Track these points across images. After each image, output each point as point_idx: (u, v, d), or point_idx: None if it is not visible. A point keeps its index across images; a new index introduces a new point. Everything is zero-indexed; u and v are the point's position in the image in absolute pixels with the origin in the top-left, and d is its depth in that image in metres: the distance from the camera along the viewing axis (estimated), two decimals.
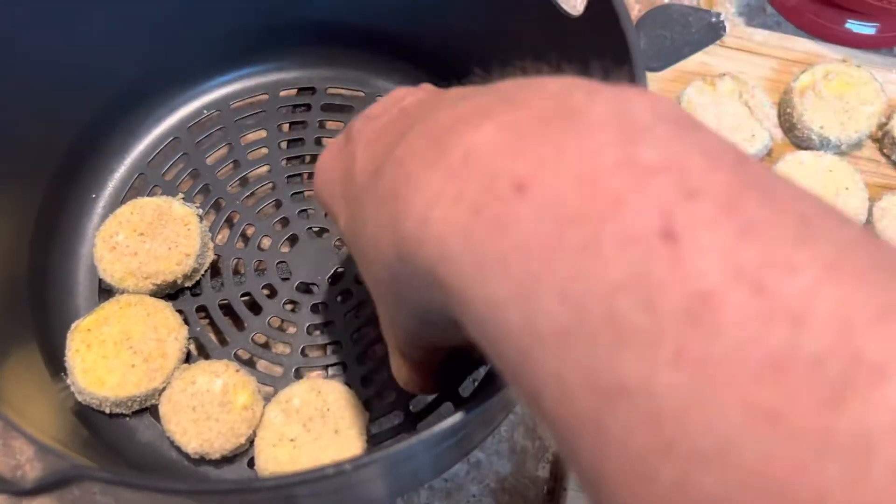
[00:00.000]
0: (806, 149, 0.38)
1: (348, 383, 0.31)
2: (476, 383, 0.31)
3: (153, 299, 0.31)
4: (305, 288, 0.33)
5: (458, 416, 0.17)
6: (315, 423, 0.28)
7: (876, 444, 0.09)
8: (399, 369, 0.22)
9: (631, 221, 0.11)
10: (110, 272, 0.31)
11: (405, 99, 0.18)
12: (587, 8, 0.26)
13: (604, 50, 0.25)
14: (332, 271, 0.33)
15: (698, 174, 0.11)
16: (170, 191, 0.35)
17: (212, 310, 0.33)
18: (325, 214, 0.35)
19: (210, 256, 0.33)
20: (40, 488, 0.17)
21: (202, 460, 0.29)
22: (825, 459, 0.09)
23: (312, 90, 0.38)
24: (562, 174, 0.12)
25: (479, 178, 0.13)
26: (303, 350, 0.32)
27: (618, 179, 0.11)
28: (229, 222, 0.35)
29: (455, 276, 0.13)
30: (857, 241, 0.11)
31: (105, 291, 0.33)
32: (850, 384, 0.09)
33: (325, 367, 0.32)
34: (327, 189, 0.20)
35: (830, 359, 0.09)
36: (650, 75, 0.41)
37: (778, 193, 0.11)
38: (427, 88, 0.19)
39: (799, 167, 0.36)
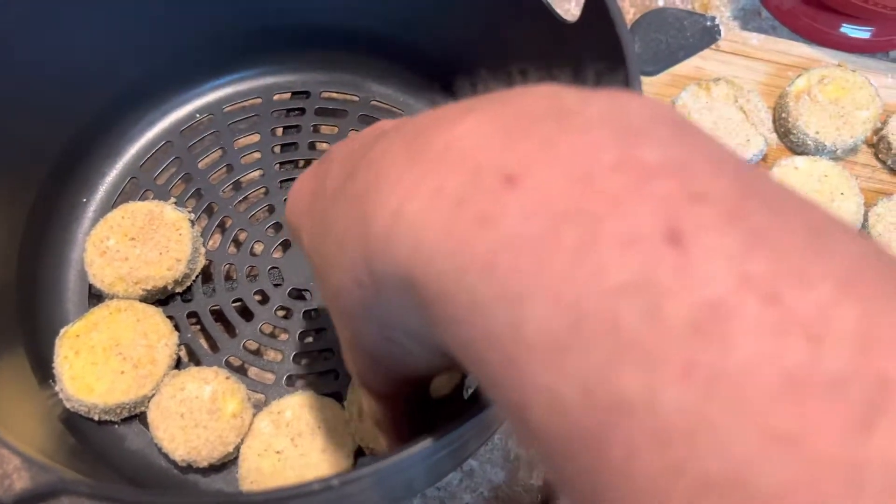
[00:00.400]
0: (801, 154, 0.38)
1: (340, 392, 0.31)
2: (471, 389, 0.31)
3: (143, 305, 0.31)
4: (298, 294, 0.33)
5: (452, 428, 0.17)
6: (304, 438, 0.28)
7: None
8: (368, 403, 0.20)
9: (632, 222, 0.10)
10: (100, 277, 0.31)
11: (386, 125, 0.17)
12: (582, 13, 0.26)
13: (599, 55, 0.25)
14: None
15: (702, 178, 0.11)
16: (162, 195, 0.35)
17: (203, 316, 0.32)
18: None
19: (201, 262, 0.33)
20: (21, 502, 0.17)
21: (190, 468, 0.29)
22: (855, 493, 0.08)
23: (307, 94, 0.38)
24: (556, 170, 0.11)
25: (462, 170, 0.12)
26: (294, 357, 0.32)
27: (617, 179, 0.11)
28: (221, 227, 0.35)
29: (431, 275, 0.12)
30: (870, 255, 0.10)
31: (95, 297, 0.33)
32: (877, 408, 0.08)
33: (318, 375, 0.32)
34: (295, 208, 0.19)
35: (853, 380, 0.09)
36: (645, 80, 0.41)
37: (784, 203, 0.11)
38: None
39: (794, 172, 0.36)
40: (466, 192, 0.12)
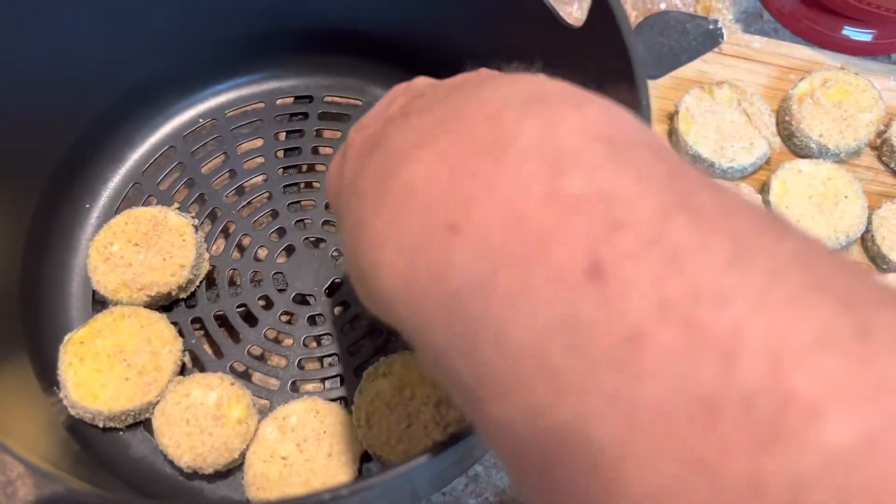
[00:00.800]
0: (805, 157, 0.38)
1: (345, 397, 0.31)
2: None
3: (147, 311, 0.31)
4: (302, 299, 0.33)
5: (459, 440, 0.17)
6: (309, 443, 0.28)
7: (807, 490, 0.08)
8: None
9: (558, 261, 0.11)
10: (104, 283, 0.31)
11: (392, 105, 0.18)
12: (588, 18, 0.26)
13: (605, 60, 0.25)
14: (329, 282, 0.33)
15: (625, 203, 0.11)
16: (165, 200, 0.35)
17: (207, 321, 0.32)
18: (322, 224, 0.35)
19: (205, 267, 0.33)
20: None
21: (195, 475, 0.29)
22: None
23: (309, 98, 0.38)
24: (491, 213, 0.12)
25: (416, 219, 0.13)
26: (299, 362, 0.32)
27: (544, 215, 0.11)
28: (225, 232, 0.35)
29: (404, 322, 0.13)
30: (795, 258, 0.10)
31: (98, 303, 0.33)
32: (780, 426, 0.09)
33: (322, 380, 0.32)
34: (329, 192, 0.20)
35: (761, 398, 0.09)
36: (647, 83, 0.41)
37: (711, 212, 0.11)
38: (415, 87, 0.19)
39: (798, 175, 0.36)
40: (420, 243, 0.13)
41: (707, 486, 0.09)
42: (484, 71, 0.18)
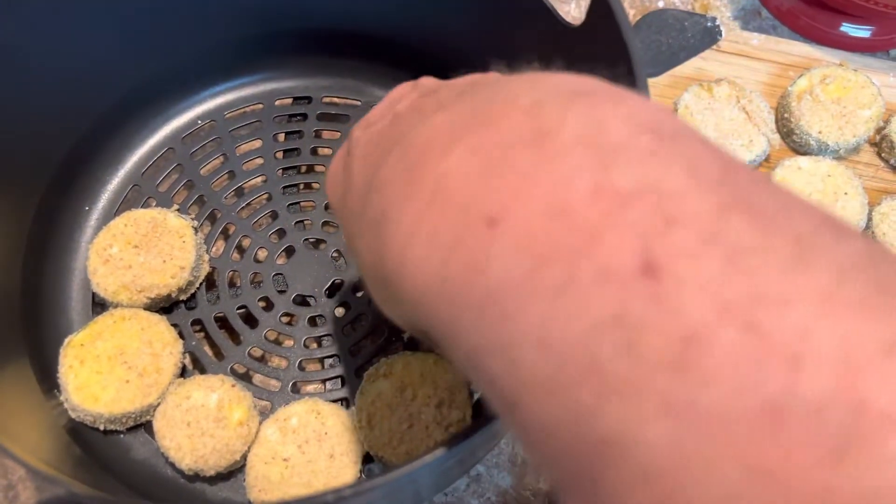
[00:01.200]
0: (804, 154, 0.38)
1: (346, 398, 0.31)
2: None
3: (147, 313, 0.31)
4: (302, 300, 0.33)
5: (462, 440, 0.17)
6: (311, 445, 0.28)
7: None
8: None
9: (608, 257, 0.10)
10: (104, 286, 0.31)
11: (400, 102, 0.17)
12: (587, 17, 0.25)
13: (605, 59, 0.24)
14: (329, 283, 0.33)
15: (678, 197, 0.10)
16: (164, 202, 0.35)
17: (207, 323, 0.32)
18: (322, 225, 0.34)
19: (205, 269, 0.33)
20: None
21: (197, 477, 0.29)
22: None
23: (308, 99, 0.38)
24: (534, 206, 0.11)
25: (451, 212, 0.12)
26: (300, 364, 0.32)
27: (592, 210, 0.11)
28: (225, 234, 0.35)
29: (434, 320, 0.12)
30: (860, 261, 0.10)
31: (98, 305, 0.33)
32: (853, 436, 0.08)
33: (323, 382, 0.32)
34: (332, 196, 0.19)
35: (831, 406, 0.09)
36: None
37: (769, 209, 0.10)
38: (424, 86, 0.18)
39: (797, 172, 0.36)
40: (456, 238, 0.12)
41: (774, 498, 0.08)
42: (493, 73, 0.17)
